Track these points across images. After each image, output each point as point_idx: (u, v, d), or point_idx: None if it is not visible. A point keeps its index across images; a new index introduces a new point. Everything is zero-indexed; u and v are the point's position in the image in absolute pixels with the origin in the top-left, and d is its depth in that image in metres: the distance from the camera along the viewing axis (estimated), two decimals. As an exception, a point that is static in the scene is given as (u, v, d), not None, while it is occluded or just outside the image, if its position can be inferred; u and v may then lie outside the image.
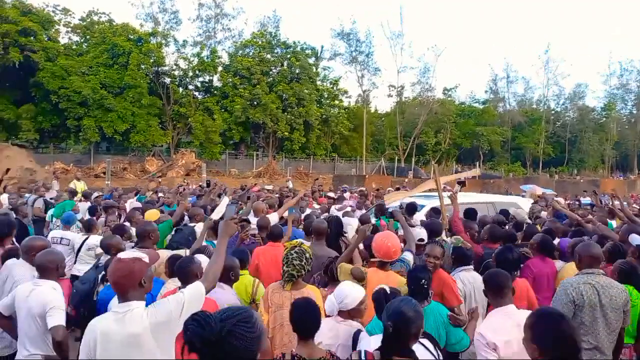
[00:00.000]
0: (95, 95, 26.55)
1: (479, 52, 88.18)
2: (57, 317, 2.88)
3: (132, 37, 29.29)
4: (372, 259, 3.69)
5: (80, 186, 11.57)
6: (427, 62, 43.85)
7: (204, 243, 4.29)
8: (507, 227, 5.77)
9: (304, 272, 3.14)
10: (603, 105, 51.35)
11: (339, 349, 2.59)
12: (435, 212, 6.43)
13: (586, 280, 3.14)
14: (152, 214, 5.77)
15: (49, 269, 3.10)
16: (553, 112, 50.44)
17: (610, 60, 77.57)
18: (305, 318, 2.39)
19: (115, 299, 2.52)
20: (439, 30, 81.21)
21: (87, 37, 30.14)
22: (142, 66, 28.92)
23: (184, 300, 2.10)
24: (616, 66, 56.73)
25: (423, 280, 2.89)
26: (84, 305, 3.88)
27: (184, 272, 3.11)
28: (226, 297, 3.15)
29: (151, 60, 29.31)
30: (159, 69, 30.86)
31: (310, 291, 3.15)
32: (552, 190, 21.24)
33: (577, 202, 13.10)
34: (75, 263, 5.33)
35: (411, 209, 6.54)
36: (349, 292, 2.71)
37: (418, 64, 42.47)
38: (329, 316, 2.81)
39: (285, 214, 6.04)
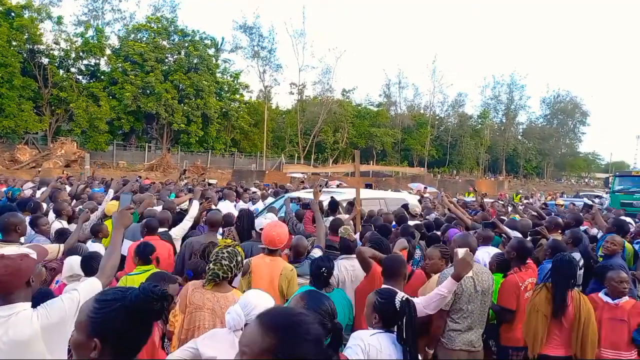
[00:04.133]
0: (-49, 71, 22.93)
1: (375, 57, 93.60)
2: None
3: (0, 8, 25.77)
4: (260, 246, 3.75)
5: None
6: (328, 63, 45.22)
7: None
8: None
9: (231, 274, 2.89)
10: (479, 113, 57.83)
11: None
12: (349, 204, 6.67)
13: None
14: (112, 206, 5.38)
15: None
16: (438, 117, 55.41)
17: (486, 73, 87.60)
18: None
19: None
20: (339, 33, 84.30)
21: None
22: (14, 43, 25.59)
23: (79, 299, 1.95)
24: (490, 79, 64.18)
25: (323, 269, 3.05)
26: None
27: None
28: None
29: (25, 37, 26.03)
30: (35, 47, 27.51)
31: (237, 297, 2.84)
32: (434, 188, 23.48)
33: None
34: None
35: (333, 205, 6.44)
36: (258, 302, 2.31)
37: (319, 64, 43.46)
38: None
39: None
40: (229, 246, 2.96)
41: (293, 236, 4.27)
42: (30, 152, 25.82)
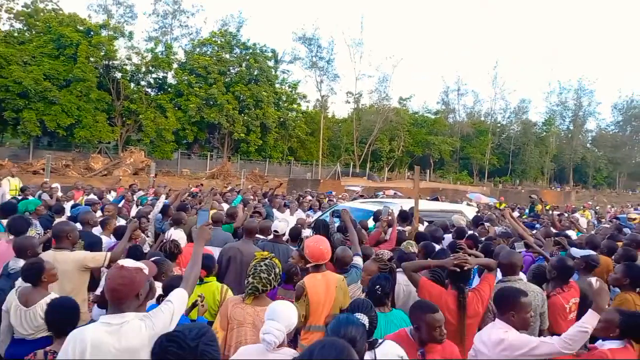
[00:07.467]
0: (37, 86, 24.80)
1: (433, 64, 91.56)
2: None
3: (81, 28, 27.75)
4: (307, 265, 3.61)
5: (14, 183, 10.89)
6: (385, 72, 44.84)
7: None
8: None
9: (270, 287, 2.91)
10: (544, 120, 54.82)
11: None
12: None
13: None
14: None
15: None
16: (499, 125, 53.04)
17: (551, 78, 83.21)
18: None
19: None
20: (397, 41, 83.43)
21: (30, 25, 28.21)
22: (92, 59, 27.44)
23: (174, 310, 2.18)
24: (556, 84, 60.77)
25: (377, 286, 2.97)
26: None
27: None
28: None
29: (102, 54, 27.85)
30: (110, 62, 29.40)
31: None
32: (495, 199, 22.28)
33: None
34: None
35: (404, 216, 6.50)
36: (286, 315, 2.38)
37: (376, 73, 43.25)
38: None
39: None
40: (266, 258, 2.94)
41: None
42: (103, 160, 27.42)
